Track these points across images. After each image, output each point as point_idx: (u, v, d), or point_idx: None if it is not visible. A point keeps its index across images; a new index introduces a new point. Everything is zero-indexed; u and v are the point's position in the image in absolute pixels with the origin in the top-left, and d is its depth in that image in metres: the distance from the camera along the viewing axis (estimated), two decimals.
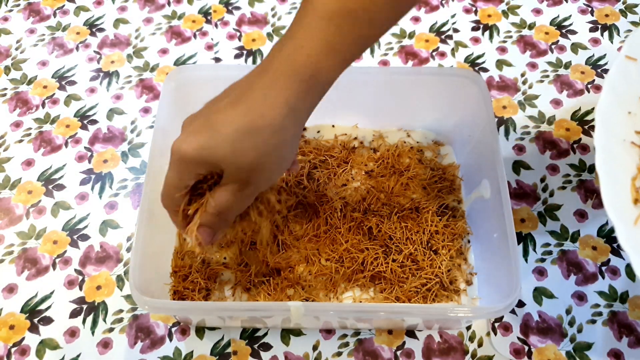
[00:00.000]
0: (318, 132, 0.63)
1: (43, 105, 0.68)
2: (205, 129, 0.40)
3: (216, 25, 0.74)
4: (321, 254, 0.54)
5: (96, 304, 0.56)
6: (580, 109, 0.67)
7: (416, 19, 0.74)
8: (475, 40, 0.72)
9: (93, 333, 0.54)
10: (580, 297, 0.56)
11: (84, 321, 0.55)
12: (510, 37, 0.73)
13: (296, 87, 0.39)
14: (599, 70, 0.70)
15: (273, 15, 0.75)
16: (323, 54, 0.38)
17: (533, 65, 0.70)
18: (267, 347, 0.54)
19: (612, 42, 0.72)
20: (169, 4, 0.76)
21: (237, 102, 0.40)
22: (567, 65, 0.70)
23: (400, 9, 0.41)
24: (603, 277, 0.57)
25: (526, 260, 0.58)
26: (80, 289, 0.57)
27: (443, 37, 0.73)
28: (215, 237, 0.44)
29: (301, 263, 0.54)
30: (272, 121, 0.39)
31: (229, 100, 0.40)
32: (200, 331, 0.54)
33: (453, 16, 0.74)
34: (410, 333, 0.54)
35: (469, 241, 0.57)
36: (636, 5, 0.75)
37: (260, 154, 0.39)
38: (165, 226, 0.55)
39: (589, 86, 0.69)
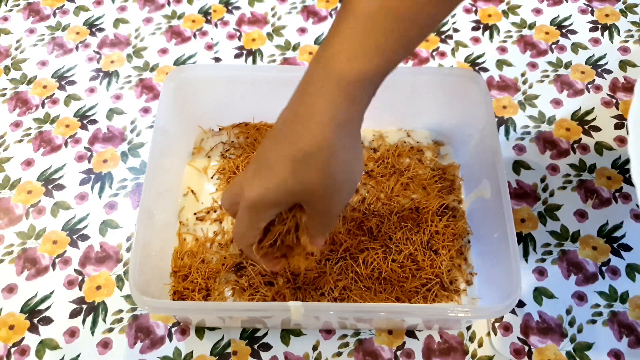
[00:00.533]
0: None
1: (43, 105, 0.68)
2: (262, 170, 0.38)
3: (216, 25, 0.74)
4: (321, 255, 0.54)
5: (96, 304, 0.56)
6: (580, 108, 0.67)
7: None
8: (476, 40, 0.72)
9: (93, 333, 0.54)
10: (581, 297, 0.56)
11: (83, 321, 0.55)
12: (511, 37, 0.73)
13: (341, 99, 0.36)
14: (599, 70, 0.70)
15: (273, 15, 0.75)
16: (365, 56, 0.35)
17: (533, 65, 0.70)
18: (267, 347, 0.54)
19: (612, 42, 0.72)
20: (169, 3, 0.76)
21: (284, 133, 0.38)
22: (567, 65, 0.70)
23: (447, 4, 0.37)
24: (603, 277, 0.57)
25: (526, 260, 0.58)
26: (80, 289, 0.57)
27: (443, 37, 0.73)
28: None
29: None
30: (323, 143, 0.36)
31: (276, 134, 0.38)
32: (200, 331, 0.54)
33: (453, 16, 0.74)
34: (410, 333, 0.54)
35: (469, 241, 0.57)
36: (636, 5, 0.75)
37: (325, 177, 0.37)
38: (165, 226, 0.55)
39: (589, 86, 0.68)
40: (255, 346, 0.54)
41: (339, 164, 0.37)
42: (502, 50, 0.71)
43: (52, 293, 0.56)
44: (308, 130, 0.36)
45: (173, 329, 0.54)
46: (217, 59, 0.71)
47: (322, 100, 0.36)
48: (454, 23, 0.74)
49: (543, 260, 0.58)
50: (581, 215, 0.60)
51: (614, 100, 0.67)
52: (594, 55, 0.71)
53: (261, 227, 0.42)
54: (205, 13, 0.75)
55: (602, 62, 0.70)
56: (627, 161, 0.63)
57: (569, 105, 0.67)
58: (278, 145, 0.38)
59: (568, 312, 0.55)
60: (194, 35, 0.73)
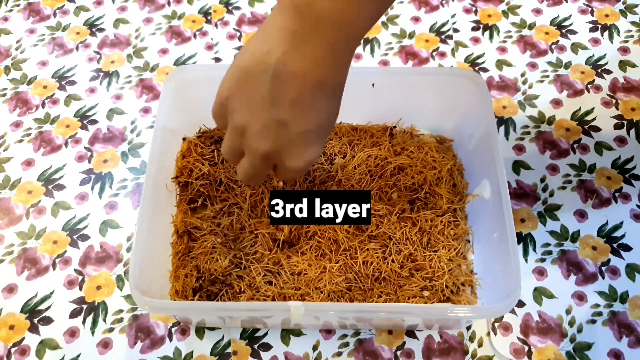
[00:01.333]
0: None
1: (43, 105, 0.68)
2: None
3: (216, 25, 0.74)
4: (321, 255, 0.54)
5: (96, 304, 0.56)
6: (580, 109, 0.67)
7: (416, 19, 0.74)
8: (475, 40, 0.72)
9: (93, 333, 0.54)
10: (580, 297, 0.56)
11: (84, 321, 0.55)
12: (510, 37, 0.73)
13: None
14: (598, 70, 0.70)
15: None
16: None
17: (533, 65, 0.70)
18: (267, 347, 0.54)
19: (612, 42, 0.72)
20: (169, 4, 0.76)
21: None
22: (567, 65, 0.70)
23: None
24: (603, 277, 0.57)
25: (526, 260, 0.58)
26: (80, 289, 0.57)
27: (443, 37, 0.73)
28: None
29: (302, 265, 0.54)
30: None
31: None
32: (200, 331, 0.54)
33: (453, 16, 0.75)
34: (410, 333, 0.54)
35: (468, 241, 0.57)
36: (636, 6, 0.75)
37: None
38: (166, 226, 0.55)
39: (589, 86, 0.68)
40: (255, 346, 0.54)
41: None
42: (502, 50, 0.72)
43: (52, 293, 0.56)
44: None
45: (173, 329, 0.54)
46: (217, 59, 0.71)
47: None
48: (453, 23, 0.74)
49: (543, 260, 0.58)
50: (581, 215, 0.60)
51: (614, 101, 0.67)
52: (593, 55, 0.71)
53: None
54: (205, 13, 0.75)
55: (601, 62, 0.70)
56: (627, 161, 0.63)
57: (569, 105, 0.67)
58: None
59: (568, 312, 0.55)
60: (194, 36, 0.73)
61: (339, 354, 0.53)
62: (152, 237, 0.51)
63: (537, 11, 0.75)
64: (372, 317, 0.49)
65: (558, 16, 0.74)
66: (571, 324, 0.55)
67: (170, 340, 0.54)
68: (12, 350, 0.54)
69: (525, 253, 0.58)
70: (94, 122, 0.67)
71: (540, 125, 0.66)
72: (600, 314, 0.55)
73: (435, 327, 0.53)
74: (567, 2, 0.75)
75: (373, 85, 0.59)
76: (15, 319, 0.55)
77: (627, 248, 0.58)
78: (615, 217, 0.60)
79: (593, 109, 0.67)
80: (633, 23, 0.73)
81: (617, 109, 0.67)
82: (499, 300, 0.47)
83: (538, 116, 0.66)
